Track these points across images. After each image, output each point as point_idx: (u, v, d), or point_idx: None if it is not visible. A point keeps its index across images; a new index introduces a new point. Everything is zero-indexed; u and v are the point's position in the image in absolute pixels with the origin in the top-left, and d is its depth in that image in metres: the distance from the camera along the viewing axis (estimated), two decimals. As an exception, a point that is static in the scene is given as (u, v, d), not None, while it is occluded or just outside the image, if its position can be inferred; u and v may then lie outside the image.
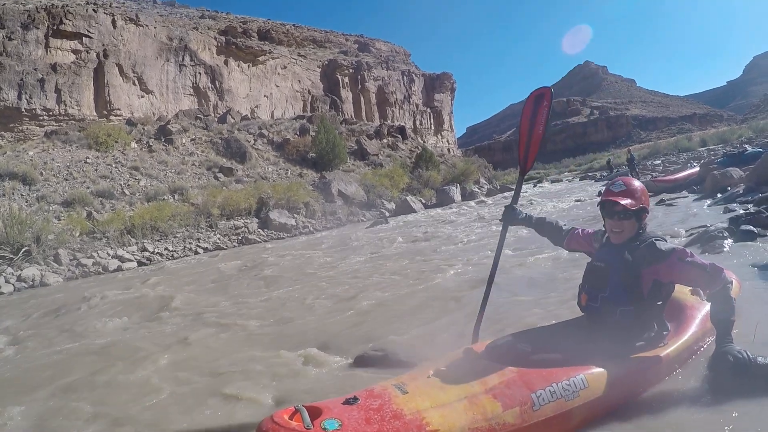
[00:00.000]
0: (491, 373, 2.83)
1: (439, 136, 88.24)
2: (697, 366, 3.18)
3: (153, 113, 41.25)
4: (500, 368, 2.88)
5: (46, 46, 35.71)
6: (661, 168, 33.20)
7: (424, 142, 64.43)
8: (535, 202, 23.06)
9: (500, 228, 3.99)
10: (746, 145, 30.65)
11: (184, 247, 17.49)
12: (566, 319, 3.86)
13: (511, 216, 3.88)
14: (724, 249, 6.52)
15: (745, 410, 2.70)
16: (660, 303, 3.24)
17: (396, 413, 2.50)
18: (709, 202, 12.16)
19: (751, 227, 6.97)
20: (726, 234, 6.98)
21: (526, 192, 35.61)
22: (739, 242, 6.70)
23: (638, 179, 18.41)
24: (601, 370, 2.90)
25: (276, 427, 2.32)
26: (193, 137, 33.04)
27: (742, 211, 8.48)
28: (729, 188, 12.61)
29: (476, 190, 35.59)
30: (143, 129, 32.80)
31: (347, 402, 2.57)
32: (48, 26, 35.94)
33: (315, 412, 2.45)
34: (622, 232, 3.30)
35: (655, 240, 3.18)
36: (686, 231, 7.94)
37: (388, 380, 2.93)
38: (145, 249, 16.71)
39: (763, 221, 7.18)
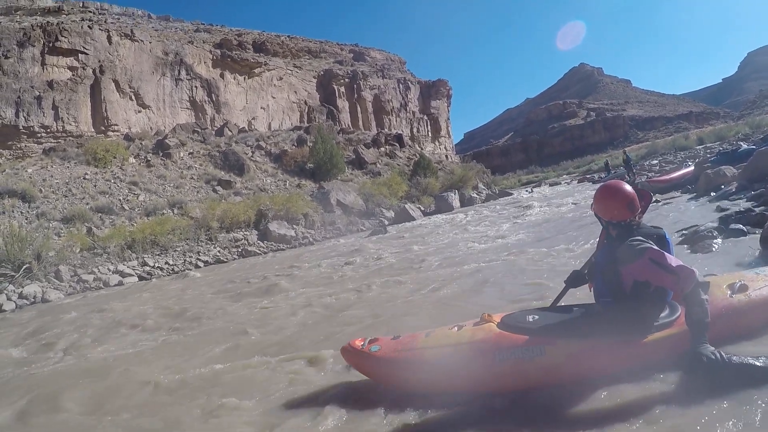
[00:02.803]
0: (482, 332, 3.70)
1: (437, 143, 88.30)
2: (673, 365, 3.26)
3: (150, 128, 41.39)
4: (493, 330, 3.71)
5: (43, 64, 35.90)
6: (657, 168, 33.23)
7: (422, 149, 64.60)
8: (532, 206, 23.09)
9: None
10: (741, 142, 30.70)
11: (185, 260, 17.51)
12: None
13: (576, 281, 4.26)
14: (713, 248, 6.59)
15: (718, 410, 2.80)
16: (651, 299, 3.41)
17: (411, 347, 3.80)
18: (702, 201, 12.22)
19: (741, 226, 7.04)
20: (715, 233, 7.05)
21: (523, 196, 35.73)
22: (728, 241, 6.77)
23: (634, 180, 18.54)
24: (565, 344, 3.44)
25: (348, 346, 4.05)
26: (191, 151, 33.15)
27: (732, 210, 8.55)
28: (722, 186, 12.66)
29: (475, 195, 35.63)
30: (141, 144, 32.91)
31: (394, 338, 4.03)
32: (44, 44, 36.15)
33: (372, 341, 4.00)
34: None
35: (632, 241, 3.35)
36: (677, 231, 7.98)
37: (428, 330, 4.12)
38: (145, 263, 16.74)
39: (752, 219, 7.25)
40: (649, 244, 3.26)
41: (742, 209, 8.27)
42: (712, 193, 12.41)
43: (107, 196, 23.39)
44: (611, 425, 2.89)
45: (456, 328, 3.91)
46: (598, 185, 23.32)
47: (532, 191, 41.63)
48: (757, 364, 2.95)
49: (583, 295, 4.33)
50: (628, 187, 3.61)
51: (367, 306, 7.38)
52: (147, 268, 16.40)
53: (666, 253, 3.20)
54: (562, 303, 4.34)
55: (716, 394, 2.89)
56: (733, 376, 2.92)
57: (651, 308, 3.44)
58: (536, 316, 3.79)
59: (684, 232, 7.73)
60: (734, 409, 2.78)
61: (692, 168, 18.49)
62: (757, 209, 7.80)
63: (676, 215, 10.86)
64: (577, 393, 3.27)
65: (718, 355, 2.96)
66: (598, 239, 4.11)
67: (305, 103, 63.91)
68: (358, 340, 4.07)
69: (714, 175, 13.54)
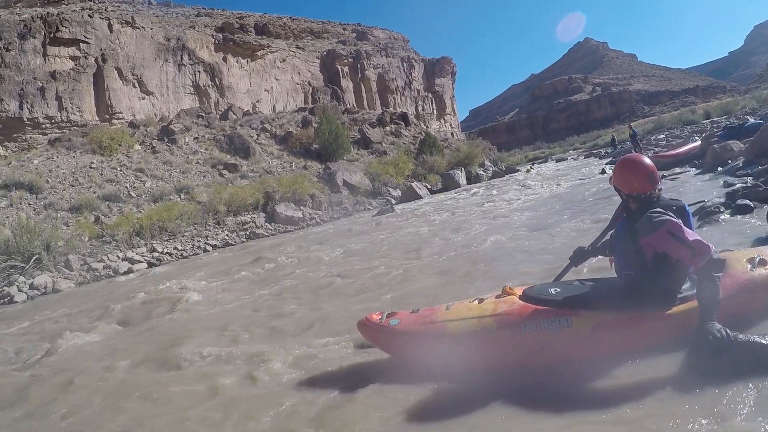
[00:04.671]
0: (505, 305, 3.72)
1: (442, 121, 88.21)
2: (682, 342, 3.27)
3: (155, 114, 41.36)
4: (516, 302, 3.73)
5: (44, 55, 35.90)
6: (664, 142, 33.07)
7: (427, 127, 64.28)
8: (536, 183, 23.04)
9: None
10: (748, 117, 30.47)
11: (193, 245, 17.56)
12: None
13: (580, 257, 4.31)
14: (720, 224, 6.60)
15: (723, 387, 2.83)
16: (673, 272, 3.42)
17: (433, 320, 3.77)
18: (709, 176, 12.19)
19: (747, 201, 7.02)
20: (722, 209, 7.06)
21: (528, 172, 35.62)
22: (735, 216, 6.76)
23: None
24: (591, 316, 3.46)
25: (365, 320, 3.99)
26: (196, 136, 33.02)
27: (739, 185, 8.52)
28: (729, 161, 12.62)
29: (481, 173, 35.50)
30: (146, 130, 32.76)
31: (413, 311, 3.99)
32: (45, 35, 36.11)
33: (390, 315, 3.97)
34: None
35: (652, 212, 3.36)
36: (688, 207, 7.96)
37: (448, 303, 4.11)
38: (154, 250, 16.79)
39: (759, 195, 7.23)
40: (668, 216, 3.28)
41: (749, 184, 8.25)
42: (719, 168, 12.40)
43: (114, 184, 23.39)
44: (612, 402, 2.95)
45: (477, 301, 3.92)
46: (604, 160, 23.20)
47: (530, 170, 40.69)
48: (764, 342, 2.97)
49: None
50: (648, 160, 3.65)
51: (377, 283, 7.46)
52: (156, 254, 16.46)
53: (684, 227, 3.22)
54: (588, 276, 4.45)
55: (722, 372, 2.92)
56: (739, 353, 2.94)
57: (674, 280, 3.47)
58: (558, 289, 3.80)
59: (691, 207, 7.70)
60: (739, 386, 2.81)
61: (699, 143, 18.38)
62: (764, 185, 7.77)
63: (683, 191, 10.85)
64: (587, 372, 3.32)
65: (724, 332, 2.98)
66: (613, 215, 4.12)
67: (309, 84, 63.83)
68: (376, 315, 4.04)
69: (721, 150, 13.48)
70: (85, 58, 38.20)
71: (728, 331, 2.98)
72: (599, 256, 4.31)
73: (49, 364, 5.96)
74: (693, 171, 14.25)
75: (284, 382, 4.22)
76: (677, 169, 15.48)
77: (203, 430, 3.65)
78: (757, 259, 3.80)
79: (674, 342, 3.33)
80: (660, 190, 3.61)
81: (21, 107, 33.31)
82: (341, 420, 3.40)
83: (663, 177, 13.43)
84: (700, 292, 3.14)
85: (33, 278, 13.32)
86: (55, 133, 33.73)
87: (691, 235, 3.15)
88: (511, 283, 4.40)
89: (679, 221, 3.25)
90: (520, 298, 3.79)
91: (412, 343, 3.78)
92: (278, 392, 4.03)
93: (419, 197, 26.64)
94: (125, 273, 14.70)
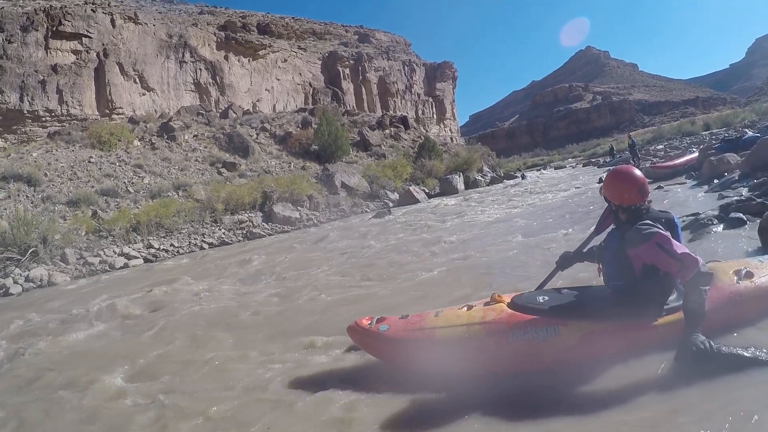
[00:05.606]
0: (494, 313, 3.75)
1: (442, 125, 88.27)
2: (663, 353, 3.35)
3: (155, 110, 41.28)
4: (504, 310, 3.76)
5: (46, 48, 35.91)
6: (662, 153, 33.15)
7: (427, 131, 64.32)
8: (533, 191, 23.08)
9: None
10: (746, 129, 30.57)
11: (190, 242, 17.57)
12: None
13: (566, 262, 4.36)
14: (713, 237, 6.63)
15: (702, 397, 2.90)
16: (661, 283, 3.48)
17: (421, 326, 3.82)
18: (705, 188, 12.24)
19: (741, 215, 7.04)
20: (715, 221, 7.09)
21: (526, 179, 35.63)
22: (728, 229, 6.80)
23: (639, 165, 18.59)
24: (578, 326, 3.52)
25: (355, 325, 4.03)
26: (196, 133, 32.96)
27: (734, 198, 8.57)
28: (725, 174, 12.65)
29: (479, 178, 35.53)
30: (145, 127, 32.68)
31: (402, 317, 4.02)
32: (47, 28, 36.13)
33: (380, 320, 3.99)
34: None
35: (641, 224, 3.40)
36: (677, 218, 8.00)
37: (437, 309, 4.16)
38: (150, 246, 16.80)
39: (752, 208, 7.26)
40: (657, 229, 3.32)
41: (743, 198, 8.30)
42: (715, 181, 12.44)
43: (112, 179, 23.36)
44: (599, 409, 3.00)
45: (465, 308, 3.94)
46: (602, 169, 23.29)
47: (527, 177, 40.36)
48: (746, 354, 3.05)
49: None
50: (638, 173, 3.70)
51: (370, 287, 7.51)
52: (152, 251, 16.47)
53: (673, 240, 3.26)
54: (577, 284, 4.49)
55: (703, 382, 2.99)
56: (721, 365, 3.01)
57: (661, 292, 3.53)
58: (546, 297, 3.84)
59: (685, 219, 7.76)
60: (720, 397, 2.86)
61: (696, 154, 18.44)
62: (758, 198, 7.82)
63: (678, 202, 10.89)
64: (575, 377, 3.38)
65: (707, 344, 3.04)
66: (599, 220, 4.22)
67: (310, 84, 63.85)
68: (365, 319, 4.06)
69: (717, 163, 13.53)
70: (87, 52, 38.22)
71: (712, 343, 3.05)
72: (585, 261, 4.35)
73: (24, 363, 5.94)
74: (689, 183, 14.30)
75: (267, 389, 4.20)
76: (673, 181, 15.54)
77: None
78: (744, 272, 3.85)
79: (660, 349, 3.39)
80: (650, 202, 3.66)
81: (21, 99, 33.33)
82: (327, 428, 3.41)
83: (660, 188, 13.57)
84: (686, 304, 3.19)
85: (29, 271, 13.35)
86: (55, 126, 33.70)
87: (679, 248, 3.19)
88: (512, 289, 4.44)
89: (668, 234, 3.29)
90: (508, 306, 3.83)
91: (400, 349, 3.83)
92: (260, 400, 4.01)
93: (417, 201, 26.57)
94: (121, 268, 14.74)
